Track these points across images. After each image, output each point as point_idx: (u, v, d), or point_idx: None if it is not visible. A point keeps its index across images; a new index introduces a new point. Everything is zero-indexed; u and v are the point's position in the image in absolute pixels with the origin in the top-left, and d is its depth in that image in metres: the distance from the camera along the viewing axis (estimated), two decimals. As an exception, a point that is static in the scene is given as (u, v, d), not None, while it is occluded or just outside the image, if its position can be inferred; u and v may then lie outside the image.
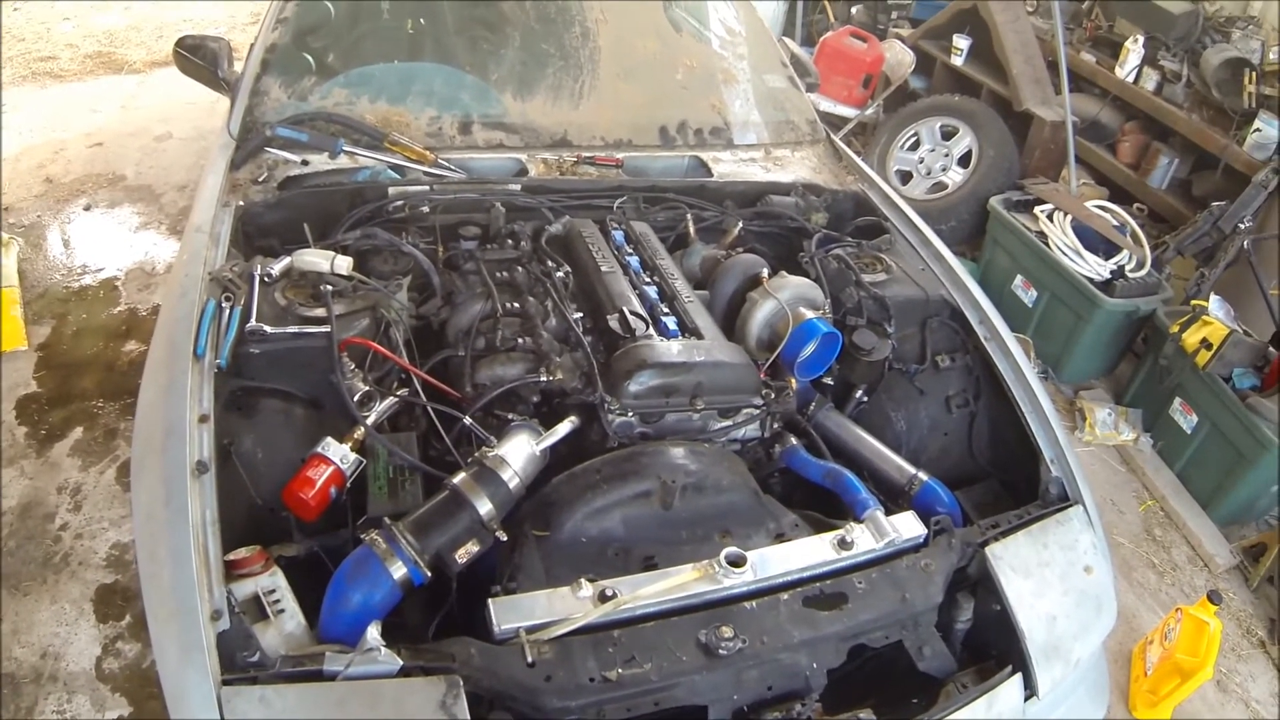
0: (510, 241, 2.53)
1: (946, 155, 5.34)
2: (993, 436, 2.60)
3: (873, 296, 2.65)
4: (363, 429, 1.94)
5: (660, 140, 3.17)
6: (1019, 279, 4.63)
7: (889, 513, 2.07)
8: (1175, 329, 3.98)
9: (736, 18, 3.69)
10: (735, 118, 3.33)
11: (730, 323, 2.47)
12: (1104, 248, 4.39)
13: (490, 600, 1.64)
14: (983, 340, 2.62)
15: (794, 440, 2.36)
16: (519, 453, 1.87)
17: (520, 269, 2.41)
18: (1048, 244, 4.43)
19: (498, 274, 2.39)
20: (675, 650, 1.64)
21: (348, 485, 1.87)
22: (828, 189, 3.15)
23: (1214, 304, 3.99)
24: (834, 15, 6.62)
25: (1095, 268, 4.28)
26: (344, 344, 2.04)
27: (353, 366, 2.04)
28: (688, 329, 2.30)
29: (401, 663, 1.50)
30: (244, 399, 2.01)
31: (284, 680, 1.47)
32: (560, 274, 2.42)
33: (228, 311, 2.01)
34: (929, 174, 5.39)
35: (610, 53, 3.28)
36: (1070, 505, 2.26)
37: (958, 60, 5.66)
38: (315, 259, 2.19)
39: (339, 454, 1.86)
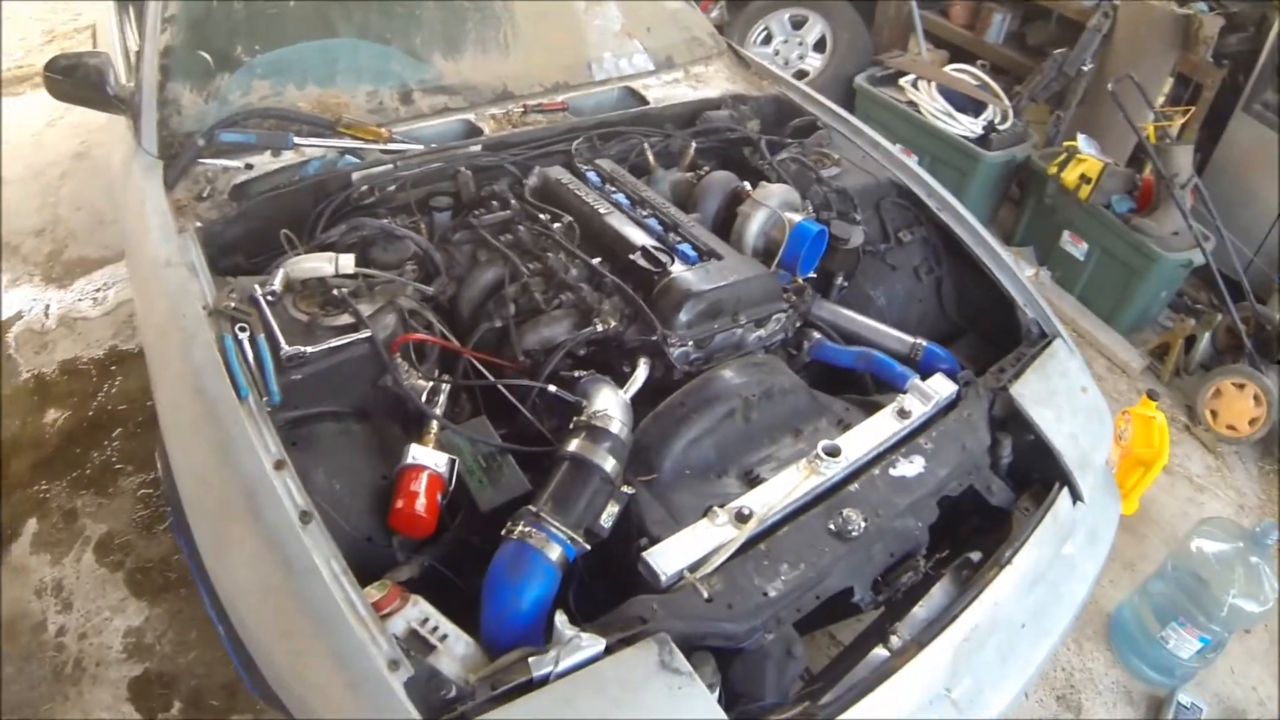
0: (496, 203, 2.51)
1: (801, 44, 5.53)
2: (960, 295, 2.86)
3: (835, 189, 2.83)
4: (437, 427, 1.88)
5: (591, 76, 3.20)
6: (898, 147, 4.87)
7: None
8: (1053, 170, 4.37)
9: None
10: (651, 42, 3.38)
11: (722, 238, 2.52)
12: (969, 106, 4.72)
13: (644, 554, 1.66)
14: (936, 211, 2.85)
15: (817, 334, 2.53)
16: (614, 404, 1.92)
17: (520, 227, 2.40)
18: (919, 111, 4.72)
19: (500, 237, 2.38)
20: (816, 544, 1.77)
21: (449, 488, 1.79)
22: (751, 96, 3.28)
23: (1083, 142, 4.39)
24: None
25: (969, 126, 4.61)
26: (399, 341, 1.99)
27: (404, 365, 1.99)
28: (703, 252, 2.36)
29: (605, 641, 1.47)
30: (296, 432, 1.85)
31: (499, 702, 1.40)
32: (560, 225, 2.41)
33: (248, 343, 1.85)
34: (787, 64, 5.57)
35: None
36: (1052, 339, 2.54)
37: (794, -50, 5.83)
38: (314, 263, 2.05)
39: (431, 459, 1.77)
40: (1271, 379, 3.72)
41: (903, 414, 2.13)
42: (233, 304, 1.92)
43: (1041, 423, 2.29)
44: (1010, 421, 2.32)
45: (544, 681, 1.42)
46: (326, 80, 2.80)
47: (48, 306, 4.07)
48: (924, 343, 2.52)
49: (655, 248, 2.31)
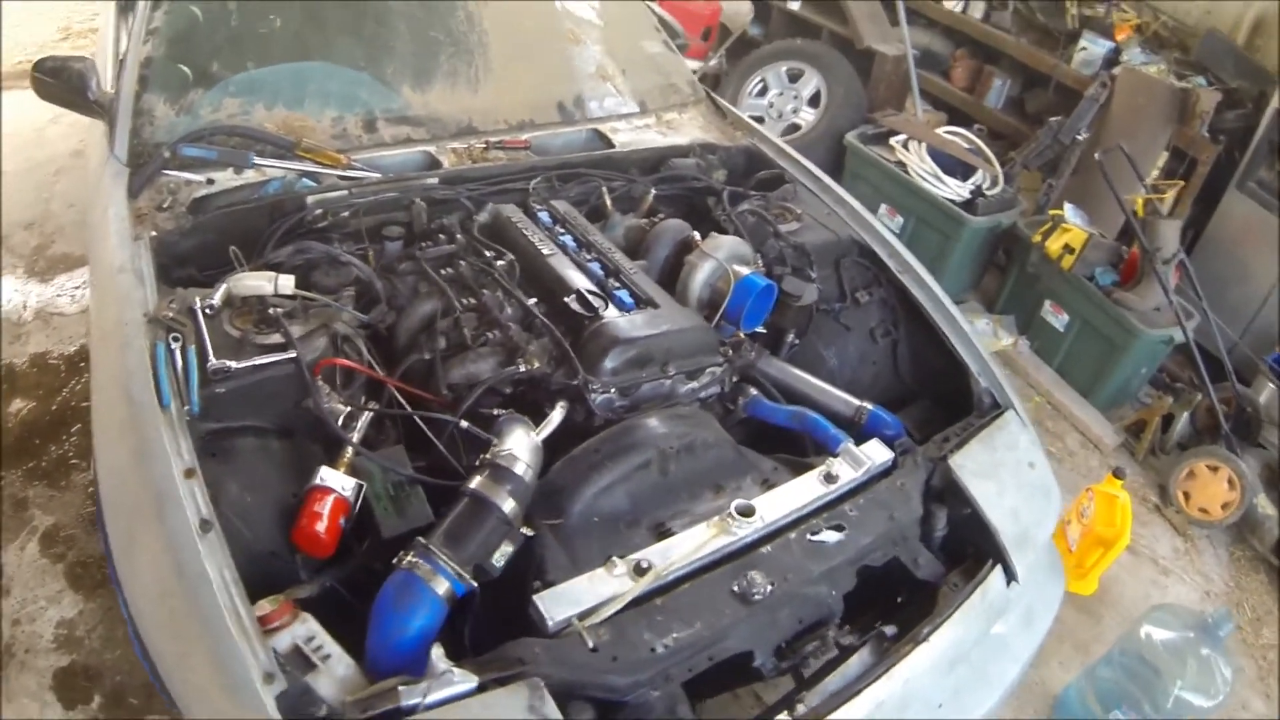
0: (443, 236, 2.49)
1: (795, 97, 5.52)
2: (916, 359, 2.80)
3: (792, 245, 2.78)
4: (352, 452, 1.88)
5: (560, 116, 3.18)
6: (883, 208, 4.87)
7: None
8: (1038, 238, 4.31)
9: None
10: (624, 86, 3.37)
11: (668, 287, 2.50)
12: (959, 169, 4.68)
13: (535, 596, 1.65)
14: (897, 273, 2.80)
15: (754, 391, 2.47)
16: (523, 445, 1.89)
17: (462, 262, 2.38)
18: (907, 172, 4.68)
19: (441, 271, 2.35)
20: (716, 605, 1.72)
21: (354, 512, 1.81)
22: (721, 146, 3.25)
23: (1069, 211, 4.34)
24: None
25: (956, 189, 4.56)
26: (320, 365, 1.98)
27: (326, 389, 1.98)
28: (641, 300, 2.33)
29: (478, 680, 1.48)
30: (217, 443, 1.87)
31: None
32: (503, 262, 2.39)
33: (179, 353, 1.87)
34: (780, 117, 5.56)
35: (497, 34, 3.23)
36: (1003, 411, 2.47)
37: (794, 5, 5.84)
38: (255, 282, 2.07)
39: (339, 482, 1.79)
40: (1248, 463, 3.62)
41: (829, 478, 2.07)
42: (171, 314, 1.95)
43: (980, 496, 2.21)
44: (948, 493, 2.24)
45: (411, 712, 1.43)
46: (295, 103, 2.80)
47: (25, 301, 4.13)
48: (870, 406, 2.45)
49: (590, 292, 2.29)
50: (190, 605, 1.53)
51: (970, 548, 2.22)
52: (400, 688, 1.44)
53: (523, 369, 2.10)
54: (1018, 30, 5.29)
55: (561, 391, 2.13)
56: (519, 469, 1.81)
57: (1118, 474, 3.17)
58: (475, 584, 1.67)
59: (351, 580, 1.79)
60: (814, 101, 5.44)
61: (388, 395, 2.10)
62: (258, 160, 2.56)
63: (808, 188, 3.12)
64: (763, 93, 5.64)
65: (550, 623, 1.61)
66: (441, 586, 1.62)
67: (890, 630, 1.96)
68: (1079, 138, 4.72)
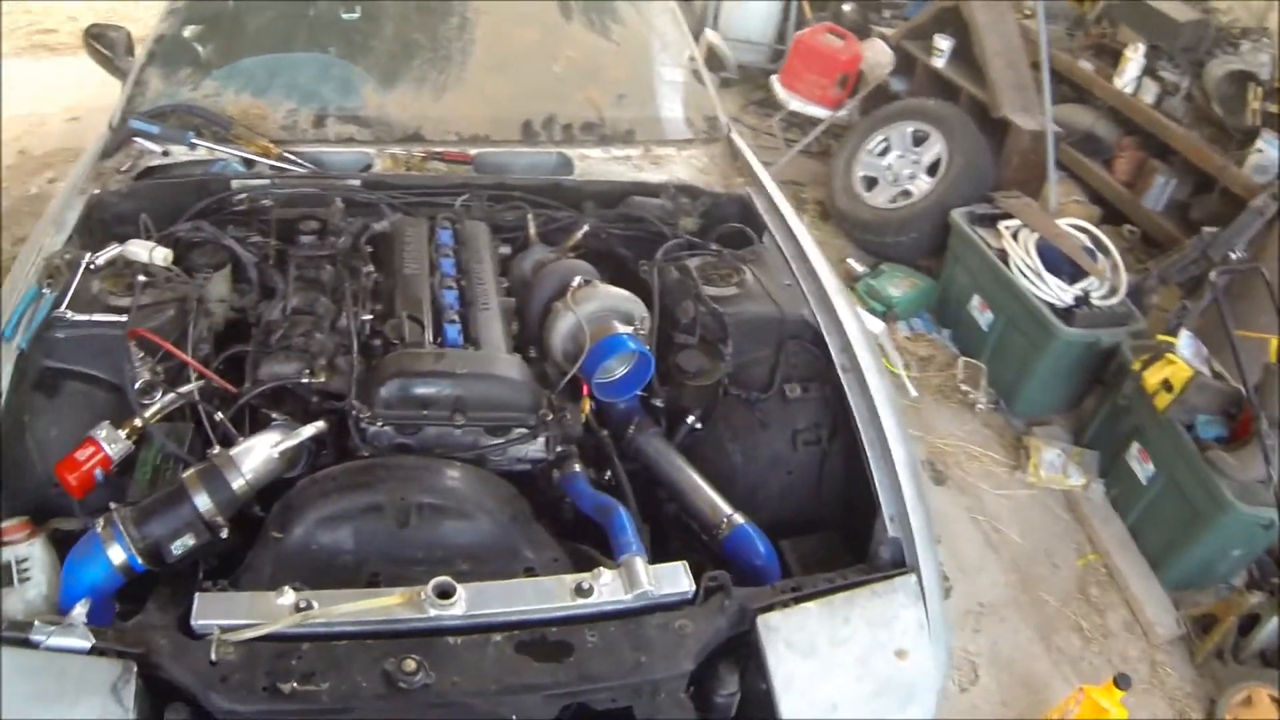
0: (332, 237, 2.39)
1: (915, 162, 4.94)
2: (848, 481, 2.26)
3: (711, 312, 2.35)
4: (140, 417, 1.95)
5: (522, 136, 2.95)
6: (976, 299, 4.24)
7: (687, 559, 1.86)
8: (1137, 365, 3.54)
9: (638, 5, 3.42)
10: (611, 113, 3.04)
11: (543, 332, 2.29)
12: (1071, 271, 3.97)
13: (198, 593, 1.64)
14: (839, 370, 2.28)
15: (577, 467, 2.13)
16: (255, 454, 1.87)
17: (329, 267, 2.31)
18: (1007, 263, 4.02)
19: (309, 271, 2.30)
20: (356, 675, 1.56)
21: (114, 468, 1.92)
22: (707, 191, 2.84)
23: (1184, 341, 3.53)
24: (811, 11, 6.25)
25: (1056, 291, 3.87)
26: (131, 333, 2.04)
27: (140, 355, 2.04)
28: (469, 339, 2.17)
29: (93, 641, 1.53)
30: (50, 380, 2.07)
31: None
32: (365, 273, 2.33)
33: (48, 296, 2.08)
34: (895, 181, 5.00)
35: (485, 44, 3.13)
36: (901, 573, 1.92)
37: (939, 62, 5.24)
38: (137, 249, 2.23)
39: (109, 438, 1.92)
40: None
41: (581, 591, 1.72)
42: (59, 262, 2.17)
43: (781, 674, 1.71)
44: (755, 658, 1.75)
45: (35, 646, 1.52)
46: (261, 91, 2.92)
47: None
48: (740, 519, 2.03)
49: (413, 318, 2.16)
50: None
51: None
52: (37, 623, 1.55)
53: (306, 379, 2.02)
54: (1190, 121, 4.46)
55: (333, 412, 2.03)
56: (230, 473, 1.81)
57: (1120, 683, 2.50)
58: (144, 566, 1.71)
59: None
60: (934, 169, 4.83)
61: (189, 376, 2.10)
62: (194, 140, 2.72)
63: (781, 252, 2.63)
64: (884, 152, 5.08)
65: (195, 623, 1.60)
66: (116, 555, 1.69)
67: None
68: (1233, 255, 3.86)
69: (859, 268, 4.97)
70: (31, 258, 2.22)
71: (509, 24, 3.20)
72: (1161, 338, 3.58)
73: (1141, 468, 3.52)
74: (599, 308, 2.22)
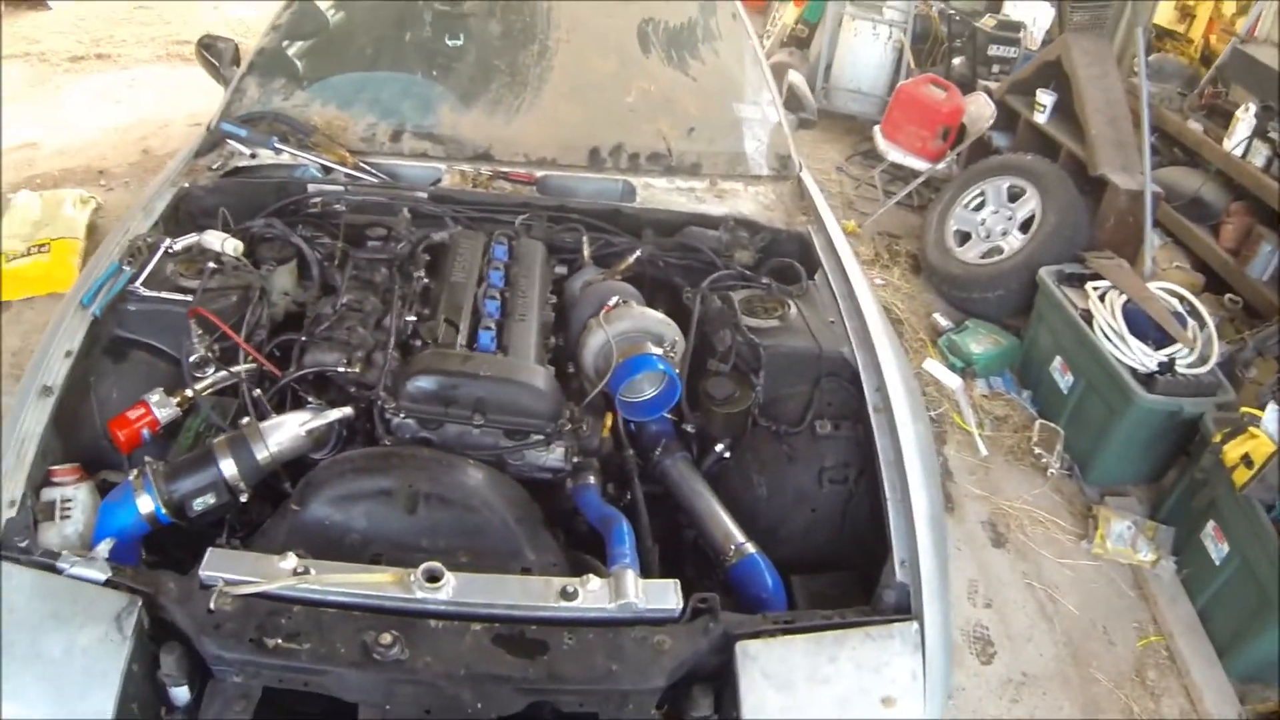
0: (393, 244, 2.51)
1: (1009, 218, 4.82)
2: (871, 524, 2.21)
3: (747, 342, 2.37)
4: (192, 388, 2.13)
5: (588, 161, 3.04)
6: (1058, 360, 4.10)
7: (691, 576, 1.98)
8: (1218, 438, 3.36)
9: (719, 44, 3.48)
10: (680, 145, 3.10)
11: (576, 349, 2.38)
12: (1158, 337, 3.80)
13: (211, 548, 1.75)
14: (871, 410, 2.25)
15: (591, 479, 2.17)
16: (284, 430, 1.99)
17: (384, 270, 2.42)
18: (1091, 324, 3.88)
19: (365, 272, 2.43)
20: (336, 641, 1.64)
21: (160, 431, 2.09)
22: (767, 227, 2.85)
23: (1270, 414, 3.33)
24: (915, 62, 6.19)
25: (1140, 355, 3.71)
26: (192, 312, 2.20)
27: (199, 333, 2.18)
28: (501, 346, 2.24)
29: (108, 575, 1.68)
30: (118, 347, 2.26)
31: (28, 565, 1.70)
32: (416, 278, 2.43)
33: (126, 273, 2.29)
34: (988, 237, 4.89)
35: (562, 72, 3.23)
36: (902, 619, 1.86)
37: (1040, 117, 5.12)
38: (213, 239, 2.39)
39: (160, 403, 2.09)
40: None
41: (565, 594, 1.76)
42: (141, 244, 2.37)
43: (750, 702, 1.69)
44: (730, 686, 1.73)
45: (55, 571, 1.69)
46: (346, 104, 3.09)
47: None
48: (751, 549, 2.03)
49: (449, 321, 2.27)
50: (3, 430, 1.93)
51: None
52: (64, 553, 1.72)
53: (342, 369, 2.15)
54: (1302, 186, 4.25)
55: (362, 401, 2.13)
56: (255, 444, 1.94)
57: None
58: (169, 519, 1.85)
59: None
60: (1027, 226, 4.71)
61: (242, 355, 2.25)
62: (278, 145, 2.87)
63: (831, 290, 2.62)
64: (979, 207, 4.99)
65: (201, 573, 1.69)
66: (145, 504, 1.83)
67: None
68: (1336, 332, 3.66)
69: (944, 322, 4.87)
70: (118, 237, 2.42)
71: (588, 54, 3.30)
72: (1246, 409, 3.40)
73: (1216, 547, 3.33)
74: (630, 327, 2.28)
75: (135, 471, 1.88)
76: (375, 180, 2.83)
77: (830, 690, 1.73)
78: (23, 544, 1.74)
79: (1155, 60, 5.62)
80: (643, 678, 1.68)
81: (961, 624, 3.25)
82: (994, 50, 6.43)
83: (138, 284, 2.28)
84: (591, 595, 1.75)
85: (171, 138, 5.92)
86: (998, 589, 3.42)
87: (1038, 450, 4.07)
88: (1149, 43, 4.90)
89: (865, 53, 6.78)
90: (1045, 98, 5.09)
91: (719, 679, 1.76)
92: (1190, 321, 3.89)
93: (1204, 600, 3.37)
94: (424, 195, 2.74)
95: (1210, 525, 3.37)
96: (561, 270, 2.73)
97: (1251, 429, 3.28)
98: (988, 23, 6.50)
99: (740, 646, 1.73)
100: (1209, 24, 6.16)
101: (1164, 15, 6.44)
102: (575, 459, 2.16)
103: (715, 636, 1.74)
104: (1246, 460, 3.20)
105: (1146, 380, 3.67)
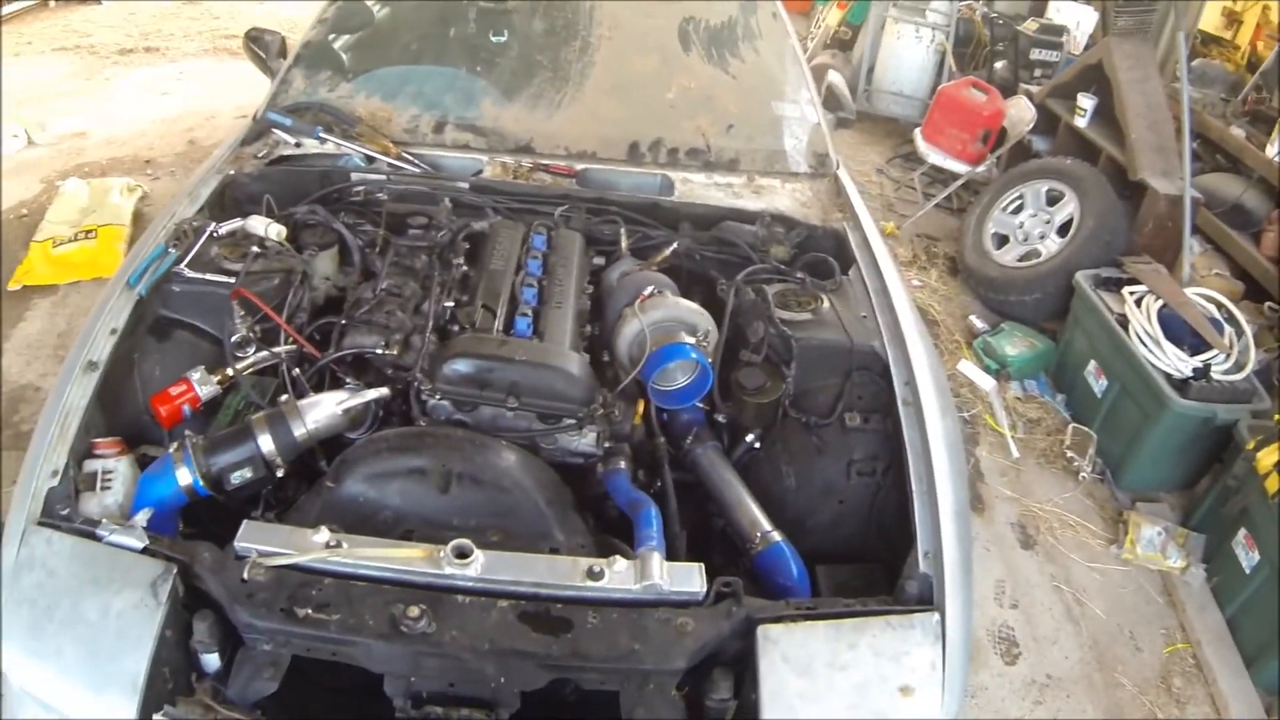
0: (435, 231, 2.56)
1: (1047, 222, 4.81)
2: (899, 516, 2.23)
3: (780, 334, 2.39)
4: (232, 367, 2.19)
5: (627, 156, 3.08)
6: (1092, 364, 4.08)
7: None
8: (1251, 445, 3.34)
9: (759, 43, 3.52)
10: (719, 141, 3.13)
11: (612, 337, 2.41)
12: (1194, 343, 3.78)
13: (246, 520, 1.81)
14: (899, 404, 2.27)
15: (622, 464, 2.20)
16: (321, 408, 2.04)
17: (424, 257, 2.46)
18: (1127, 329, 3.87)
19: (405, 259, 2.47)
20: (365, 613, 1.68)
21: (201, 408, 2.15)
22: (803, 223, 2.88)
23: (1305, 422, 3.33)
24: (957, 65, 6.18)
25: (1174, 360, 3.69)
26: (235, 294, 2.26)
27: (241, 314, 2.24)
28: (537, 332, 2.28)
29: (145, 543, 1.74)
30: (162, 327, 2.32)
31: (68, 532, 1.77)
32: (458, 264, 2.45)
33: (171, 255, 2.36)
34: (1025, 240, 4.88)
35: (604, 68, 3.29)
36: (924, 610, 1.88)
37: (1080, 121, 5.10)
38: (257, 224, 2.46)
39: (202, 380, 2.14)
40: None
41: (592, 574, 1.78)
42: (187, 228, 2.43)
43: (769, 686, 1.71)
44: (750, 668, 1.76)
45: (99, 540, 1.76)
46: (390, 96, 3.16)
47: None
48: (776, 537, 2.06)
49: (486, 307, 2.30)
50: (47, 409, 1.99)
51: None
52: (105, 521, 1.78)
53: (380, 350, 2.18)
54: (1346, 196, 4.20)
55: (399, 382, 2.18)
56: (293, 421, 1.98)
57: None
58: (207, 491, 1.91)
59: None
60: (1065, 230, 4.70)
61: (283, 340, 2.30)
62: (322, 135, 2.95)
63: (865, 286, 2.64)
64: (1018, 210, 4.98)
65: (237, 544, 1.75)
66: (184, 476, 1.89)
67: None
68: (1377, 342, 3.62)
69: (980, 324, 4.87)
70: (164, 221, 2.48)
71: (630, 51, 3.34)
72: (1281, 418, 3.38)
73: (1246, 555, 3.31)
74: (664, 316, 2.32)
75: (175, 444, 1.93)
76: (417, 170, 2.88)
77: (849, 677, 1.75)
78: (64, 512, 1.80)
79: (1199, 65, 5.58)
80: (665, 658, 1.70)
81: (987, 624, 3.26)
82: (1036, 54, 6.42)
83: (182, 266, 2.34)
84: (617, 576, 1.78)
85: (218, 129, 6.05)
86: (1025, 590, 3.43)
87: (1070, 454, 4.06)
88: (1193, 47, 4.85)
89: (908, 55, 6.79)
90: (1086, 101, 5.07)
91: (740, 664, 1.78)
92: (1227, 328, 3.87)
93: (1233, 609, 3.35)
94: (465, 186, 2.78)
95: (1241, 533, 3.35)
96: (599, 261, 2.76)
97: (1285, 436, 3.26)
98: (1030, 26, 6.49)
99: (762, 630, 1.75)
100: (1256, 30, 6.09)
101: (1211, 21, 6.38)
102: (607, 444, 2.19)
103: (738, 620, 1.76)
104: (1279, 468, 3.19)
105: (1181, 386, 3.65)
